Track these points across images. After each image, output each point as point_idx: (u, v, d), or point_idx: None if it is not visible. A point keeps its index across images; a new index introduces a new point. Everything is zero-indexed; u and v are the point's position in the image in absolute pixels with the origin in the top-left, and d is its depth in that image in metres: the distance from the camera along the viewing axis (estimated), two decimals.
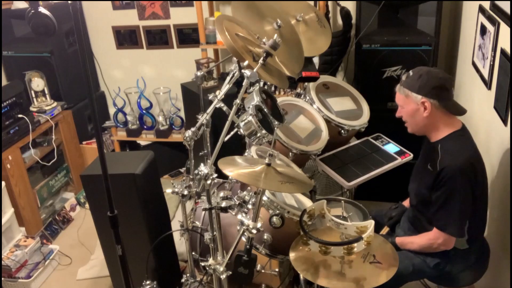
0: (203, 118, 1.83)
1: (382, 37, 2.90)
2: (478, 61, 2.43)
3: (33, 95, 3.37)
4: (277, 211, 1.85)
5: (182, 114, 3.76)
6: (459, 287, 1.96)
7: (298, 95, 2.61)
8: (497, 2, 2.11)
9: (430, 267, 1.89)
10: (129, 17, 3.78)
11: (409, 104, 1.84)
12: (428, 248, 1.86)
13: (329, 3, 3.25)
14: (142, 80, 3.84)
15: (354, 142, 2.55)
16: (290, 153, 2.22)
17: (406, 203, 2.19)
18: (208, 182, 1.66)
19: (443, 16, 2.88)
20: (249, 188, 1.91)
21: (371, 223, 1.62)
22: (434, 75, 1.81)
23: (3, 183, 2.83)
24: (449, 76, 1.85)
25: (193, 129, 1.83)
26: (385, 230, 2.13)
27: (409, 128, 1.93)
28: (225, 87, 1.82)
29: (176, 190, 1.90)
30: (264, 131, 1.82)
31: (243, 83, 1.73)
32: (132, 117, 3.78)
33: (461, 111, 1.85)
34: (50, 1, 3.35)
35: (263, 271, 2.05)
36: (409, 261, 1.91)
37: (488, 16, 2.25)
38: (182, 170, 2.94)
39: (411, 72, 1.85)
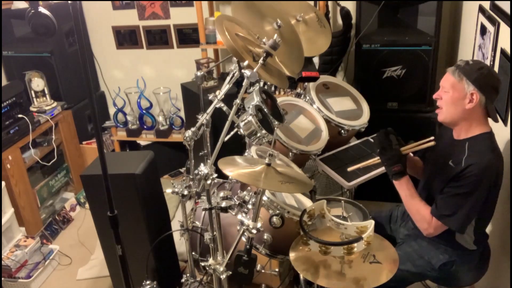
0: (203, 118, 1.83)
1: (382, 37, 2.90)
2: None
3: (33, 95, 3.37)
4: (277, 211, 1.85)
5: (182, 114, 3.77)
6: (459, 287, 1.96)
7: (298, 95, 2.61)
8: (497, 2, 2.11)
9: (435, 268, 1.88)
10: (129, 17, 3.78)
11: (457, 90, 1.74)
12: (416, 221, 1.84)
13: (329, 3, 3.25)
14: (142, 80, 3.84)
15: (354, 142, 2.55)
16: (290, 153, 2.22)
17: None
18: (208, 182, 1.66)
19: (443, 16, 2.88)
20: (249, 188, 1.91)
21: (371, 223, 1.62)
22: (494, 74, 1.76)
23: (3, 183, 2.83)
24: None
25: (193, 129, 1.83)
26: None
27: (441, 116, 1.83)
28: (225, 87, 1.83)
29: (176, 190, 1.90)
30: (264, 131, 1.82)
31: (243, 83, 1.73)
32: (132, 117, 3.78)
33: (496, 118, 1.81)
34: (50, 1, 3.36)
35: (263, 271, 2.05)
36: (412, 263, 1.91)
37: (488, 16, 2.25)
38: (182, 170, 2.94)
39: (470, 61, 1.76)
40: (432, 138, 1.88)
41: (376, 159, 2.03)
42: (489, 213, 1.86)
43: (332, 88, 2.67)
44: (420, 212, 1.82)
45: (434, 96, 1.85)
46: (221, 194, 1.72)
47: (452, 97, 1.76)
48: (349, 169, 2.18)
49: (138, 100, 3.70)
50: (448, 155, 1.82)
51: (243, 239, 1.72)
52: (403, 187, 1.86)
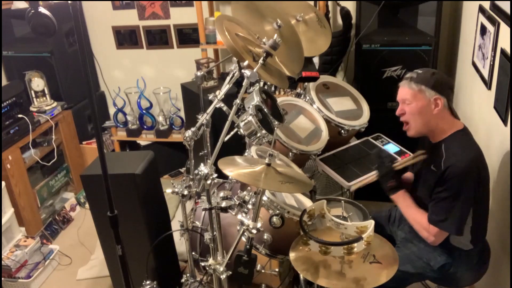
0: (203, 118, 1.83)
1: (382, 37, 2.90)
2: (478, 61, 2.43)
3: (33, 95, 3.37)
4: (277, 211, 1.85)
5: (182, 114, 3.77)
6: (460, 287, 1.96)
7: (298, 95, 2.61)
8: (497, 2, 2.11)
9: (434, 270, 1.88)
10: (129, 17, 3.78)
11: (420, 99, 1.78)
12: (418, 231, 1.85)
13: (329, 3, 3.25)
14: (142, 80, 3.84)
15: (354, 142, 2.55)
16: (290, 153, 2.22)
17: None
18: (208, 182, 1.66)
19: (443, 16, 2.88)
20: (249, 188, 1.90)
21: (371, 223, 1.62)
22: (445, 76, 1.81)
23: (3, 183, 2.83)
24: None
25: (193, 129, 1.83)
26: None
27: (411, 131, 1.86)
28: (225, 87, 1.83)
29: (176, 190, 1.90)
30: (264, 131, 1.82)
31: (243, 83, 1.73)
32: (132, 117, 3.78)
33: (457, 115, 1.85)
34: (50, 1, 3.35)
35: (263, 271, 2.05)
36: (411, 264, 1.90)
37: (488, 16, 2.25)
38: (182, 170, 2.94)
39: (419, 70, 1.81)
40: (423, 151, 1.93)
41: (374, 174, 2.09)
42: (484, 209, 1.86)
43: (332, 88, 2.67)
44: (417, 221, 1.84)
45: (397, 113, 1.88)
46: (221, 194, 1.72)
47: (417, 107, 1.79)
48: (350, 182, 2.20)
49: (138, 100, 3.70)
50: (429, 160, 1.85)
51: (243, 239, 1.71)
52: (399, 199, 1.92)
